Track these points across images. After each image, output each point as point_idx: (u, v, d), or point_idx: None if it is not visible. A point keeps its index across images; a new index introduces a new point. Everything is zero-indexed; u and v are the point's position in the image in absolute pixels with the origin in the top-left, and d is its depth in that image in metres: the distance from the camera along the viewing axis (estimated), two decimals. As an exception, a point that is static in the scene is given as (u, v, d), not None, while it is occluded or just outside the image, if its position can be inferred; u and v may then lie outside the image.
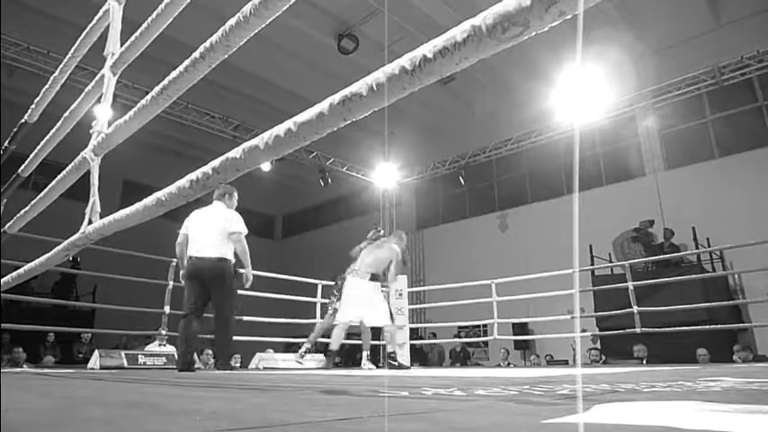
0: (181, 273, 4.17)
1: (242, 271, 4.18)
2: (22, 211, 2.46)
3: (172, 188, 1.31)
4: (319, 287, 6.68)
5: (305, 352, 5.33)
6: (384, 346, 5.97)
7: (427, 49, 0.75)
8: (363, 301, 4.75)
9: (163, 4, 1.59)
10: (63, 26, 8.20)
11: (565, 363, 9.20)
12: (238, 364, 4.37)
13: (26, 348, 7.22)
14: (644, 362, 7.00)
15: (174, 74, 1.39)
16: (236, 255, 4.05)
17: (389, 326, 4.80)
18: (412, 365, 6.67)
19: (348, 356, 10.69)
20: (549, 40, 8.17)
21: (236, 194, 4.31)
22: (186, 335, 3.87)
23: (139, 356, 4.73)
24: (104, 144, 1.78)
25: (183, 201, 1.31)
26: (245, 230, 4.07)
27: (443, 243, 12.89)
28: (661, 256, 7.75)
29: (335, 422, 0.80)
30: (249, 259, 4.07)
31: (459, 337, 10.54)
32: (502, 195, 12.63)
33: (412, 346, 6.91)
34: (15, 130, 2.92)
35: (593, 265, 8.80)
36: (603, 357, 7.88)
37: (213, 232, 3.97)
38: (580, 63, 8.52)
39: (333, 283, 5.66)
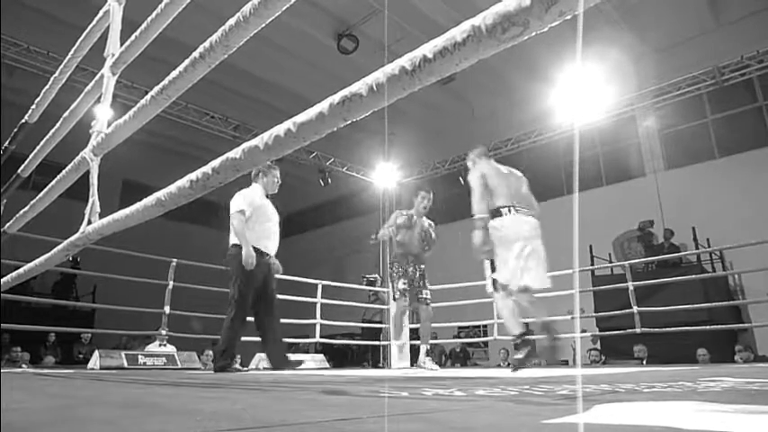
0: None
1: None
2: (22, 211, 2.46)
3: (172, 188, 1.31)
4: (319, 287, 6.67)
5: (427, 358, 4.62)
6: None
7: (427, 49, 0.75)
8: (536, 254, 3.17)
9: (162, 4, 1.59)
10: (63, 26, 8.20)
11: (565, 363, 9.19)
12: (237, 364, 4.28)
13: (26, 348, 7.22)
14: (644, 362, 6.99)
15: (173, 74, 1.39)
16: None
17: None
18: (413, 365, 6.66)
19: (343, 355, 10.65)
20: (549, 40, 8.16)
21: (273, 171, 3.91)
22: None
23: (139, 357, 4.73)
24: (104, 144, 1.78)
25: (183, 201, 1.31)
26: (238, 207, 3.64)
27: (444, 243, 12.86)
28: (661, 257, 7.75)
29: (335, 422, 0.80)
30: (244, 238, 3.58)
31: (459, 337, 10.53)
32: (502, 195, 12.61)
33: (412, 346, 6.90)
34: (15, 130, 2.92)
35: (593, 265, 8.79)
36: (603, 358, 7.87)
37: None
38: (580, 63, 8.52)
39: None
